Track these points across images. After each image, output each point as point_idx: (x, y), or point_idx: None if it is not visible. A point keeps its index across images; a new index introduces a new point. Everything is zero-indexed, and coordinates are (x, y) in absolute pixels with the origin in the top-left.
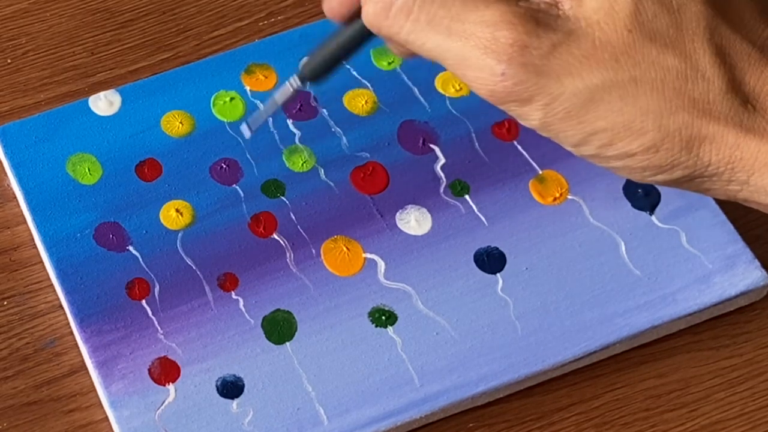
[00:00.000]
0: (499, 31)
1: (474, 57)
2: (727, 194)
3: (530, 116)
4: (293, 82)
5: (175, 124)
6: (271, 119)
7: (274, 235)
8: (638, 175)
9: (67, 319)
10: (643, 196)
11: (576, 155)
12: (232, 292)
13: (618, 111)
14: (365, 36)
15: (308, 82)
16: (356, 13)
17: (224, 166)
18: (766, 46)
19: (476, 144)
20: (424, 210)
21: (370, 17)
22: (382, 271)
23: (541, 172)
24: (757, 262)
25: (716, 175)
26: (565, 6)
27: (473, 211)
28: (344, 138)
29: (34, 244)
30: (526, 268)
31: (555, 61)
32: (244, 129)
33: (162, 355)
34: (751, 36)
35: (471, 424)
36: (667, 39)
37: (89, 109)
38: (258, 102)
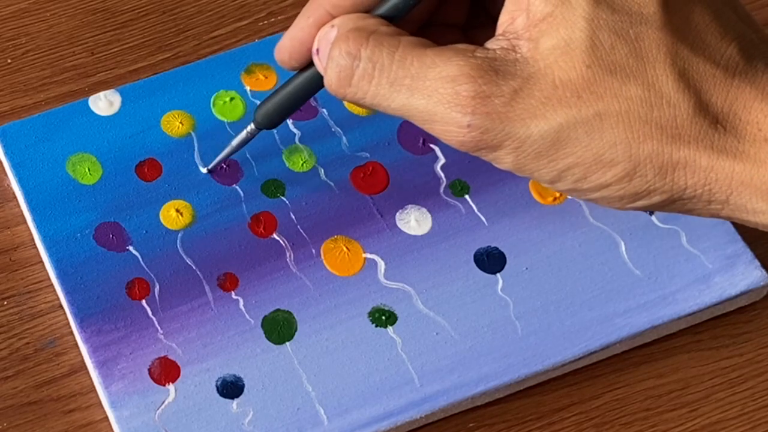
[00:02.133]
0: (459, 85)
1: (439, 112)
2: (710, 214)
3: (503, 160)
4: (249, 129)
5: (175, 124)
6: None
7: (274, 235)
8: (617, 204)
9: (67, 319)
10: None
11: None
12: (232, 292)
13: (586, 146)
14: (317, 85)
15: (263, 128)
16: (308, 63)
17: (224, 166)
18: (730, 65)
19: None
20: (424, 210)
21: (333, 86)
22: (382, 271)
23: None
24: (757, 262)
25: (695, 197)
26: (522, 49)
27: (473, 211)
28: (344, 138)
29: (34, 244)
30: (526, 268)
31: (518, 106)
32: (202, 168)
33: (162, 355)
34: (715, 56)
35: (471, 424)
36: (627, 69)
37: (89, 109)
38: (256, 101)
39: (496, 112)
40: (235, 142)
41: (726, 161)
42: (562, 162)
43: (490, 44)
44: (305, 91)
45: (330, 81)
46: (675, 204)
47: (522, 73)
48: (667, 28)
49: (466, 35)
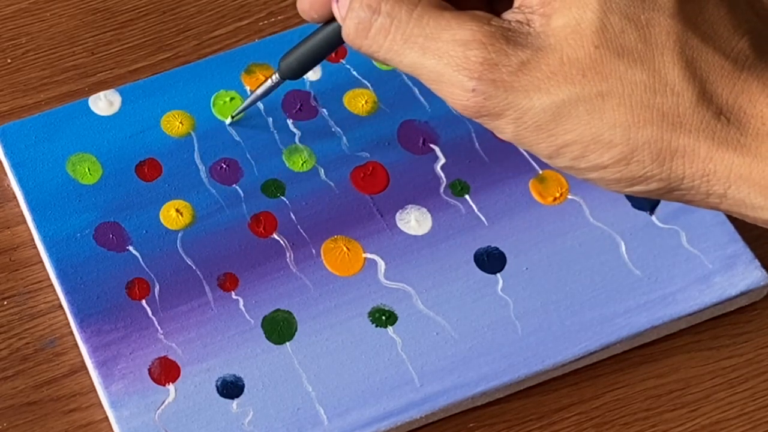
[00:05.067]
0: (470, 50)
1: (447, 74)
2: (709, 206)
3: (503, 129)
4: (273, 79)
5: (175, 124)
6: (271, 119)
7: (274, 235)
8: (615, 186)
9: (67, 319)
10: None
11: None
12: (232, 292)
13: (586, 124)
14: (339, 39)
15: (286, 79)
16: (330, 16)
17: (224, 166)
18: (740, 58)
19: (476, 144)
20: (424, 210)
21: (350, 37)
22: (382, 271)
23: (541, 172)
24: (757, 262)
25: (693, 188)
26: (535, 23)
27: (473, 211)
28: (344, 138)
29: (34, 244)
30: (526, 268)
31: (524, 77)
32: (227, 119)
33: (162, 355)
34: (724, 48)
35: (471, 424)
36: (635, 54)
37: (89, 109)
38: (258, 102)
39: (501, 80)
40: (259, 90)
41: (726, 153)
42: (561, 138)
43: (507, 15)
44: (327, 43)
45: (348, 32)
46: (674, 193)
47: (532, 46)
48: (679, 17)
49: (490, 4)
